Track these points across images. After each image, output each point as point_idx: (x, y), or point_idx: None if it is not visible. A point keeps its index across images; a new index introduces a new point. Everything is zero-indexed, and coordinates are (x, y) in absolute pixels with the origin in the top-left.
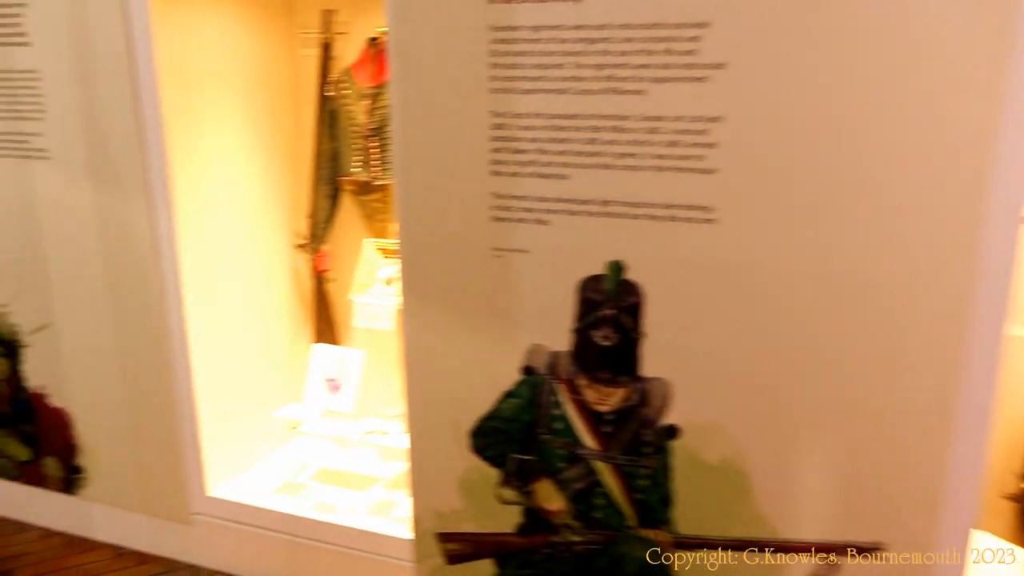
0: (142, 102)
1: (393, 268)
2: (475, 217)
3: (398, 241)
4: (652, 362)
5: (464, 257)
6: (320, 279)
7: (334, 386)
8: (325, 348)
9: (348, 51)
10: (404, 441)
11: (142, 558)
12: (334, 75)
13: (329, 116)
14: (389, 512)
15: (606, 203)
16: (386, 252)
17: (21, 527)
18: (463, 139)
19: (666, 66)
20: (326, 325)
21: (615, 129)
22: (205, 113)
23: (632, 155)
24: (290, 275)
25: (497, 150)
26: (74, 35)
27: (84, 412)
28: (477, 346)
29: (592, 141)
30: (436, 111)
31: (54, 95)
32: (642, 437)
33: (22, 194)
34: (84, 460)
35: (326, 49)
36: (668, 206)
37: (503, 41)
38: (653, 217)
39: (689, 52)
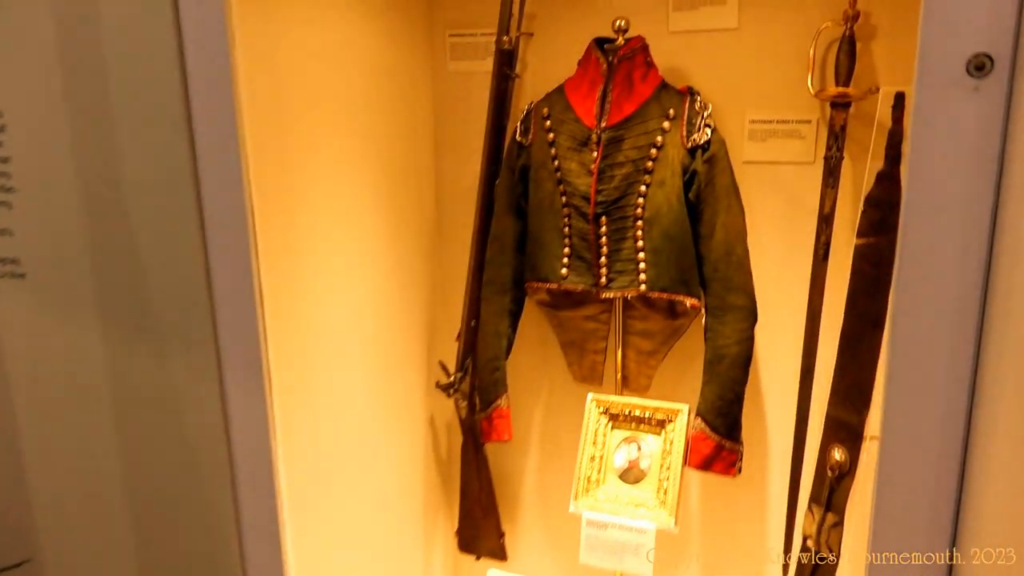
0: (207, 178)
1: (638, 450)
2: None
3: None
4: None
5: None
6: (479, 454)
7: None
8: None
9: (549, 64)
10: None
11: None
12: (525, 104)
13: (518, 175)
14: None
15: None
16: (621, 419)
17: None
18: None
19: None
20: (493, 531)
21: None
22: (296, 178)
23: None
24: (438, 446)
25: None
26: (73, 42)
27: None
28: None
29: None
30: None
31: (32, 163)
32: None
33: None
34: None
35: (503, 59)
36: None
37: None
38: None
39: None
